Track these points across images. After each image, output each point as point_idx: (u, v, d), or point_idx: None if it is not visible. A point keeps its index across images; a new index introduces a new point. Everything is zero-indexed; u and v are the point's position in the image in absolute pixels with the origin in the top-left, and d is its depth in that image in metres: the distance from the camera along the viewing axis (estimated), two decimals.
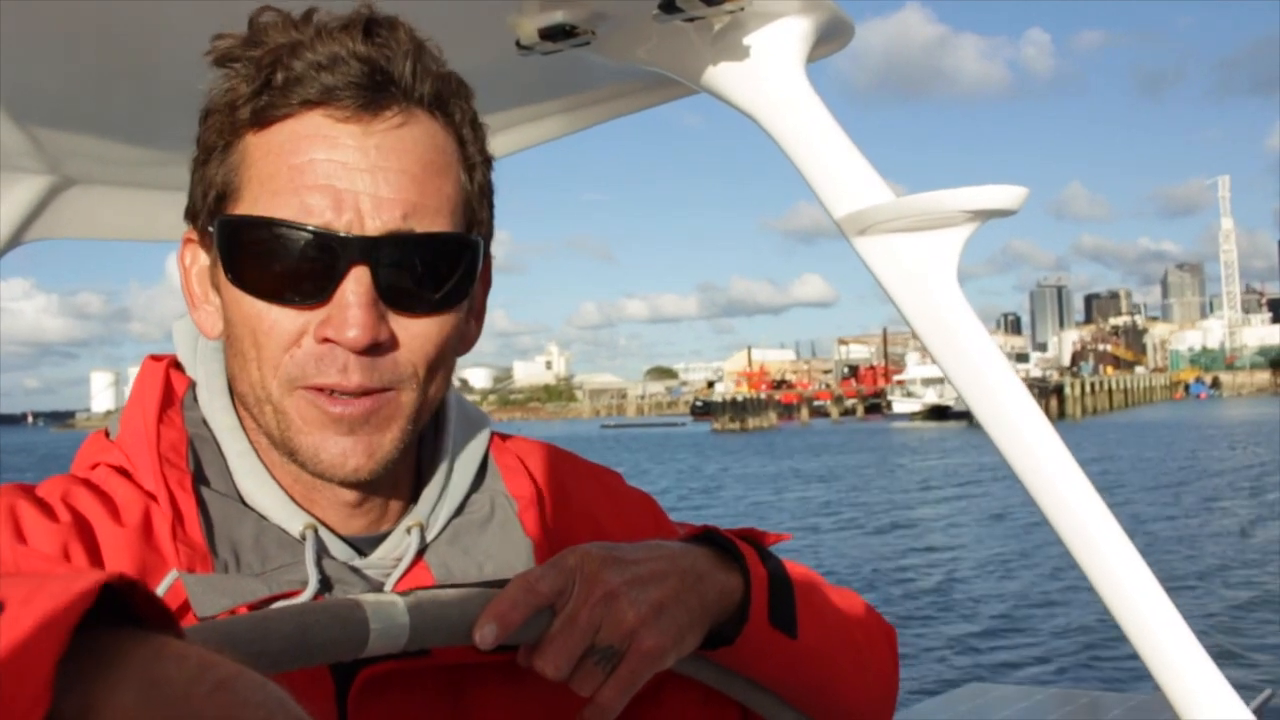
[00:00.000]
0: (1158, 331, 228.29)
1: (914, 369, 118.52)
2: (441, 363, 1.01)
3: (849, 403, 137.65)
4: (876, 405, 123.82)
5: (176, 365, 1.10)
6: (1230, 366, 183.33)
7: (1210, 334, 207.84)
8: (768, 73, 1.37)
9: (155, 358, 1.10)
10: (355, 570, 1.01)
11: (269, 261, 0.94)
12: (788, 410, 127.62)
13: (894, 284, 1.31)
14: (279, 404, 0.97)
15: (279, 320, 0.95)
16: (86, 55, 1.43)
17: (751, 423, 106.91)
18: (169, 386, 1.07)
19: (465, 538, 1.07)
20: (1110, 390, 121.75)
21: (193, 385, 1.08)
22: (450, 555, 1.05)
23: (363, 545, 1.04)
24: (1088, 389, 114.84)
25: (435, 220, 0.97)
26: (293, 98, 0.94)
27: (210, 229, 0.99)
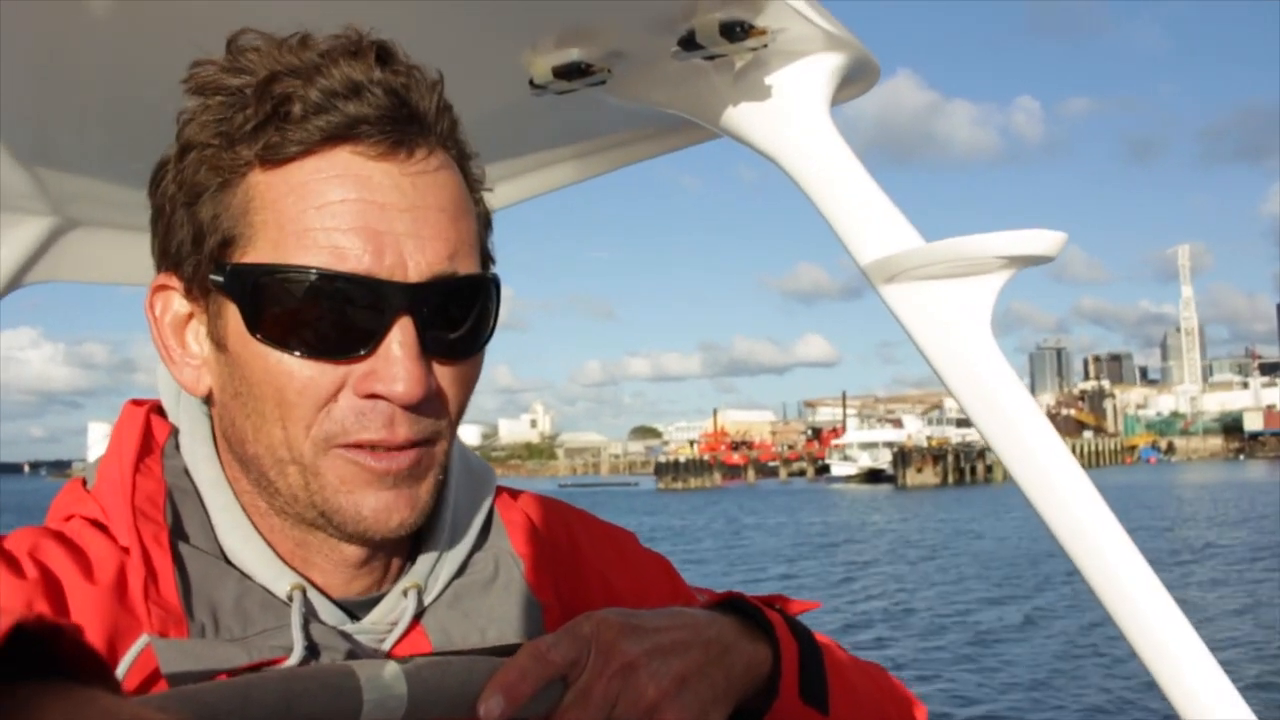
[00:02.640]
0: (1132, 396, 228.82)
1: (852, 434, 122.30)
2: (468, 407, 0.96)
3: (797, 465, 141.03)
4: (827, 467, 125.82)
5: (159, 411, 1.02)
6: (1185, 432, 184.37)
7: (1183, 399, 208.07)
8: (791, 114, 1.32)
9: (136, 402, 1.03)
10: (346, 636, 0.93)
11: (302, 314, 0.86)
12: (734, 471, 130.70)
13: (924, 334, 1.25)
14: (311, 465, 0.89)
15: (314, 377, 0.87)
16: (92, 96, 1.40)
17: (694, 482, 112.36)
18: (149, 433, 0.99)
19: (467, 600, 1.00)
20: None
21: (175, 432, 1.00)
22: (450, 619, 0.98)
23: (356, 608, 0.97)
24: None
25: (470, 260, 0.91)
26: (312, 131, 0.85)
27: (214, 278, 0.89)
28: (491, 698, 0.81)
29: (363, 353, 0.87)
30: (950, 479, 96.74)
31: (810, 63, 1.31)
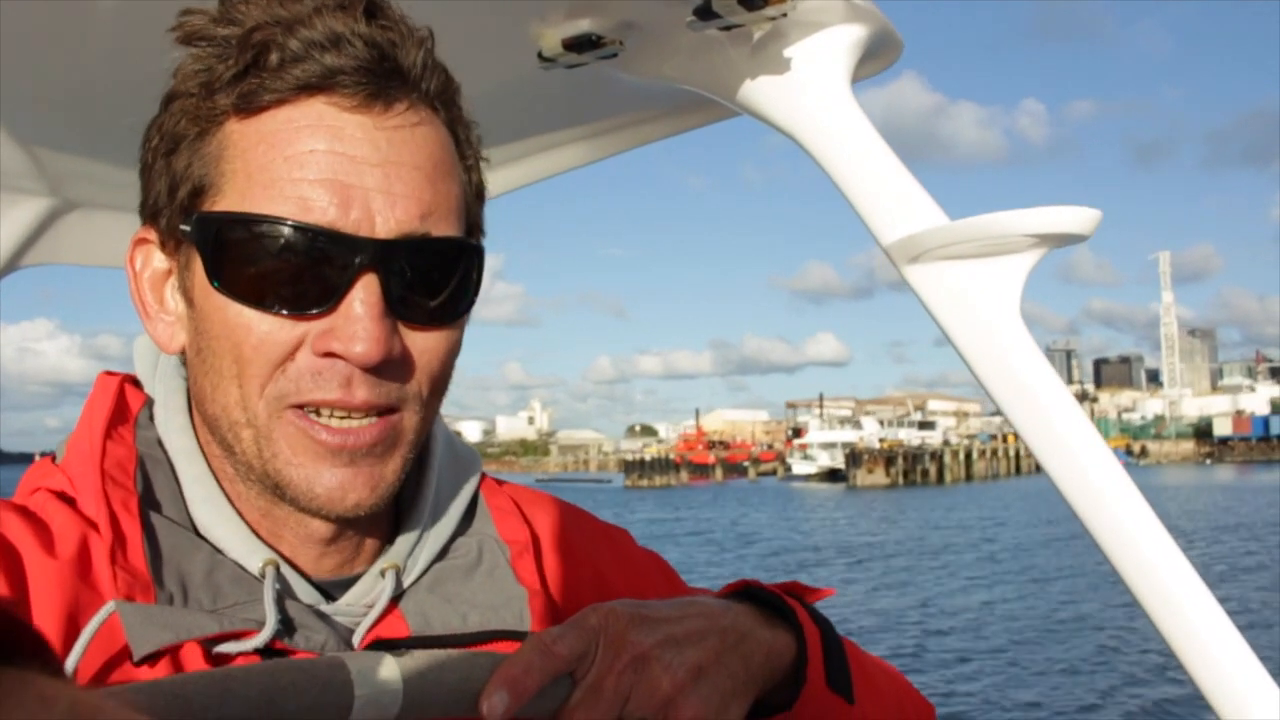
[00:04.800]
0: (1121, 400, 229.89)
1: (814, 435, 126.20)
2: (446, 380, 0.92)
3: (770, 464, 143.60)
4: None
5: (135, 383, 0.99)
6: (1158, 436, 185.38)
7: (1175, 404, 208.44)
8: (810, 88, 1.27)
9: (110, 374, 0.99)
10: (321, 615, 0.89)
11: (263, 265, 0.83)
12: (702, 470, 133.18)
13: (949, 317, 1.19)
14: (264, 428, 0.85)
15: (271, 331, 0.83)
16: (89, 75, 1.36)
17: (659, 480, 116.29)
18: (122, 403, 0.96)
19: (448, 584, 0.96)
20: (994, 455, 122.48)
21: (149, 403, 0.97)
22: (430, 603, 0.94)
23: (331, 588, 0.93)
24: (976, 455, 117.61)
25: (447, 223, 0.87)
26: (288, 80, 0.83)
27: (183, 228, 0.86)
28: (495, 694, 0.77)
29: (322, 309, 0.83)
30: (900, 480, 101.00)
31: (831, 35, 1.26)
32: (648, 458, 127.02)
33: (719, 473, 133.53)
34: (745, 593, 1.00)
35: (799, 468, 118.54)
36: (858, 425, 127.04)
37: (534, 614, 0.96)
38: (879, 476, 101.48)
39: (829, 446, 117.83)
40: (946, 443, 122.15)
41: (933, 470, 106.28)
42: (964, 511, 54.37)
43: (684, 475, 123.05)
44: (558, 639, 0.81)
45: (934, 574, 27.92)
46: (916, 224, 1.20)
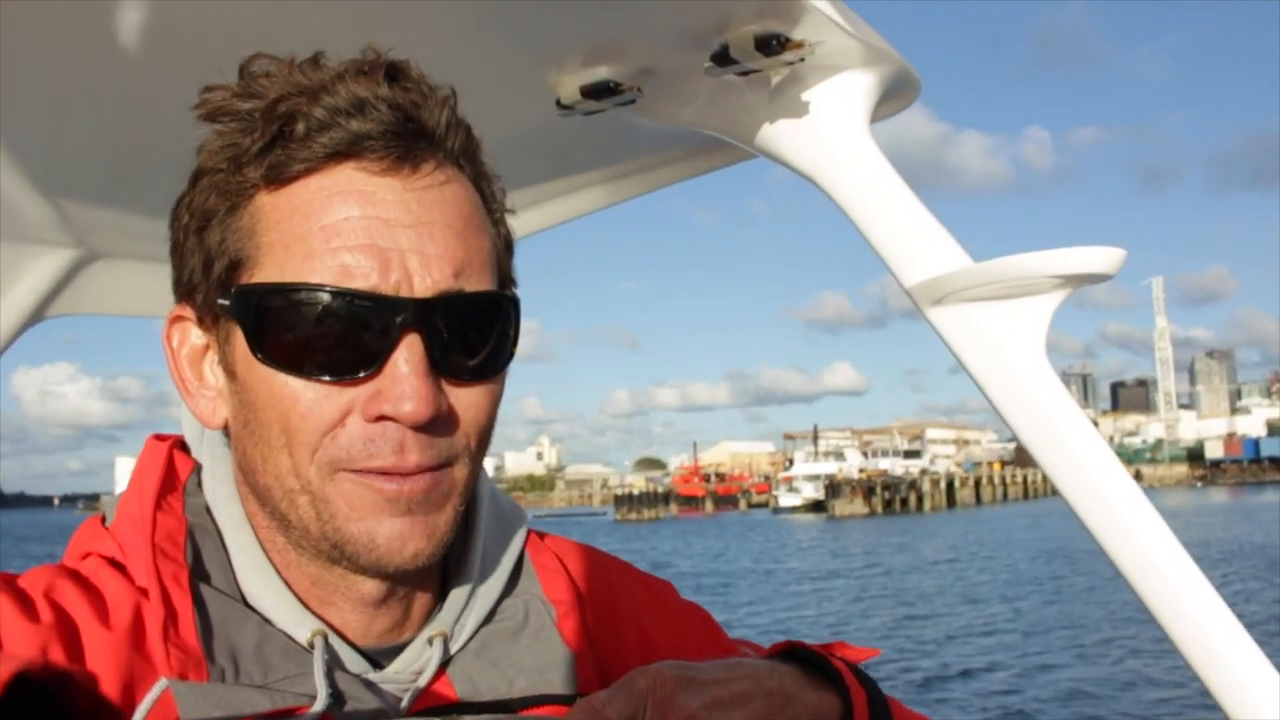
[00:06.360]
0: (1125, 424, 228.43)
1: (798, 467, 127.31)
2: (491, 432, 0.92)
3: (762, 496, 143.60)
4: None
5: (182, 446, 1.00)
6: (1153, 460, 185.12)
7: (1171, 428, 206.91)
8: (829, 131, 1.28)
9: (159, 437, 1.00)
10: (370, 685, 0.90)
11: (306, 334, 0.83)
12: (692, 503, 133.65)
13: (974, 359, 1.19)
14: (319, 492, 0.85)
15: (318, 400, 0.84)
16: (114, 127, 1.38)
17: (648, 514, 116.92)
18: (171, 469, 0.97)
19: (495, 648, 0.97)
20: (978, 484, 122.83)
21: (197, 469, 0.98)
22: (477, 669, 0.95)
23: (379, 656, 0.93)
24: (959, 483, 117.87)
25: (481, 278, 0.88)
26: (316, 149, 0.84)
27: (222, 302, 0.87)
28: None
29: (369, 372, 0.84)
30: (881, 509, 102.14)
31: (849, 78, 1.27)
32: (635, 491, 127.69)
33: (709, 505, 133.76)
34: (790, 653, 1.00)
35: (785, 500, 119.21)
36: (840, 456, 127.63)
37: (580, 676, 0.97)
38: (858, 506, 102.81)
39: (813, 478, 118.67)
40: (924, 471, 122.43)
41: (912, 499, 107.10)
42: (897, 538, 55.04)
43: (673, 508, 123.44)
44: (607, 703, 0.82)
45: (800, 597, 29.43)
46: (940, 266, 1.20)
